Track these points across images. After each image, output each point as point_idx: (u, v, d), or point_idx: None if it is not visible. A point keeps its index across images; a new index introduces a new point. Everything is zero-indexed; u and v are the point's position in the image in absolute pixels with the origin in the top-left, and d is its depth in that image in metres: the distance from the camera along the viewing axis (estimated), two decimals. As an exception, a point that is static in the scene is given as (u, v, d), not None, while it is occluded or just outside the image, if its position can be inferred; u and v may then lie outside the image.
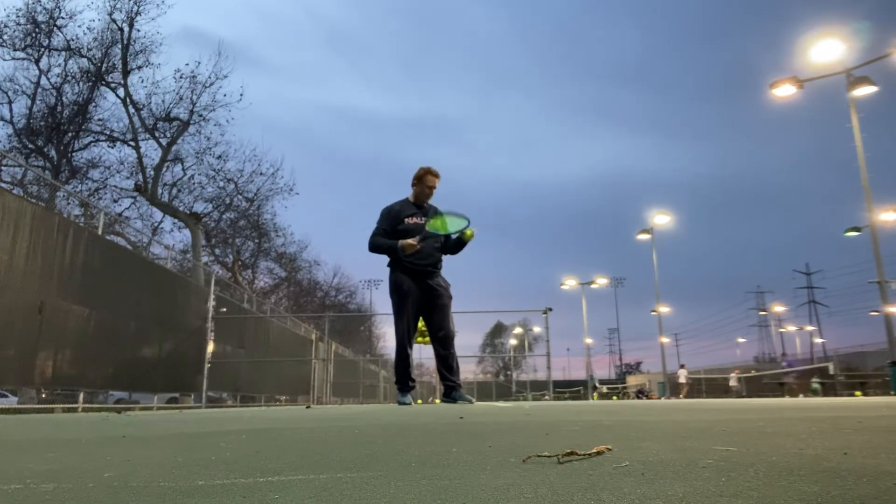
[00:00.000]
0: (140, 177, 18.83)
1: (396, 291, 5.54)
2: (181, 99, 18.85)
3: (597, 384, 34.66)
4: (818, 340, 62.77)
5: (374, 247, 5.52)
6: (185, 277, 13.88)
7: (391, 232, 5.50)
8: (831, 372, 23.16)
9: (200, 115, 19.12)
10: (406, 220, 5.51)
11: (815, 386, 22.28)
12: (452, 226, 5.42)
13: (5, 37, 17.06)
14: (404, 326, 5.53)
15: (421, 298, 5.55)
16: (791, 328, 69.39)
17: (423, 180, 5.57)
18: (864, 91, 14.89)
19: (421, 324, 5.78)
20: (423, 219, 5.53)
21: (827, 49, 15.03)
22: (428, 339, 5.83)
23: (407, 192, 5.71)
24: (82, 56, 17.84)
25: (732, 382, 28.92)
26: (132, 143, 18.71)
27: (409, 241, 5.34)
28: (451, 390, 5.58)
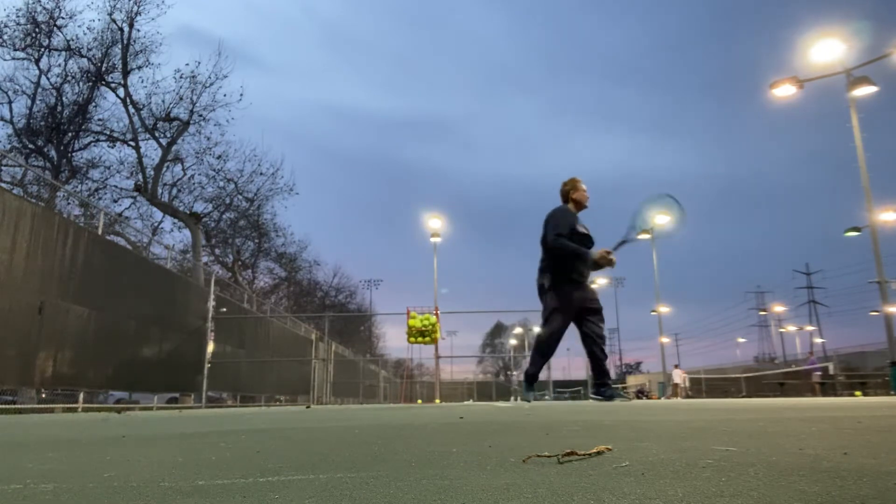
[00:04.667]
0: (140, 177, 18.83)
1: (563, 299, 5.61)
2: (181, 99, 18.86)
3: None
4: (818, 340, 62.72)
5: (565, 247, 5.48)
6: (185, 277, 13.88)
7: (569, 235, 5.54)
8: (831, 372, 23.12)
9: (200, 115, 19.14)
10: (578, 227, 5.60)
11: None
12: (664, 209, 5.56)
13: (5, 37, 17.08)
14: (558, 333, 5.68)
15: (580, 309, 5.67)
16: (791, 328, 69.31)
17: (579, 187, 5.72)
18: (864, 91, 14.88)
19: (418, 322, 5.81)
20: (585, 228, 5.66)
21: (827, 49, 15.02)
22: (428, 339, 5.83)
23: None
24: (82, 56, 17.86)
25: (676, 380, 28.60)
26: (132, 143, 18.72)
27: (606, 252, 5.41)
28: (602, 387, 5.70)
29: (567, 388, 47.13)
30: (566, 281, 5.59)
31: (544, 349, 5.74)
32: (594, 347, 5.68)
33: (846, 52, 15.18)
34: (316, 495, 0.82)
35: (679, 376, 28.65)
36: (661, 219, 5.73)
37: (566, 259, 5.53)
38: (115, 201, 19.98)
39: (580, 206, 5.74)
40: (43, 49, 17.60)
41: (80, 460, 1.31)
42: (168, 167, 19.76)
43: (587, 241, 5.60)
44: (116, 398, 14.63)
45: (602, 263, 5.42)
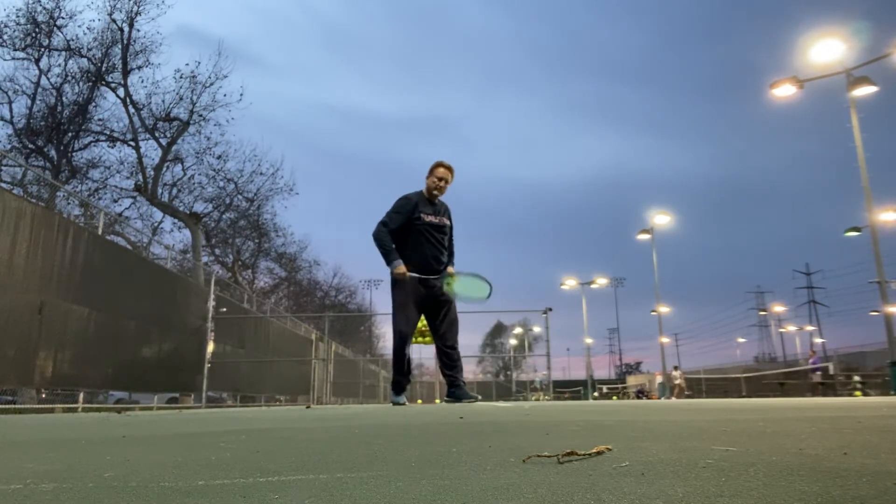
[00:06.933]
0: (140, 177, 18.83)
1: (398, 287, 5.43)
2: (181, 99, 18.86)
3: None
4: (818, 340, 62.68)
5: (379, 241, 5.36)
6: (185, 277, 13.88)
7: (404, 224, 5.38)
8: (831, 372, 23.13)
9: (200, 115, 19.14)
10: (422, 215, 5.40)
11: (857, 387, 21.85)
12: (469, 289, 5.41)
13: (5, 37, 17.08)
14: (402, 323, 5.44)
15: (425, 297, 5.46)
16: (791, 328, 69.33)
17: (434, 172, 5.49)
18: (864, 91, 14.89)
19: (422, 323, 5.74)
20: (439, 218, 5.48)
21: (827, 49, 15.02)
22: (428, 339, 5.80)
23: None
24: (82, 56, 17.86)
25: (678, 381, 28.56)
26: (132, 143, 18.72)
27: (403, 270, 5.30)
28: (452, 388, 5.61)
29: (567, 388, 47.20)
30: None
31: (399, 346, 5.52)
32: (438, 343, 5.61)
33: (846, 52, 15.19)
34: (316, 495, 0.82)
35: (679, 377, 28.70)
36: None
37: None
38: (115, 201, 20.01)
39: (429, 192, 5.50)
40: (43, 49, 17.61)
41: (80, 460, 1.31)
42: (168, 167, 19.77)
43: (434, 228, 5.43)
44: (116, 398, 14.62)
45: (396, 276, 5.31)
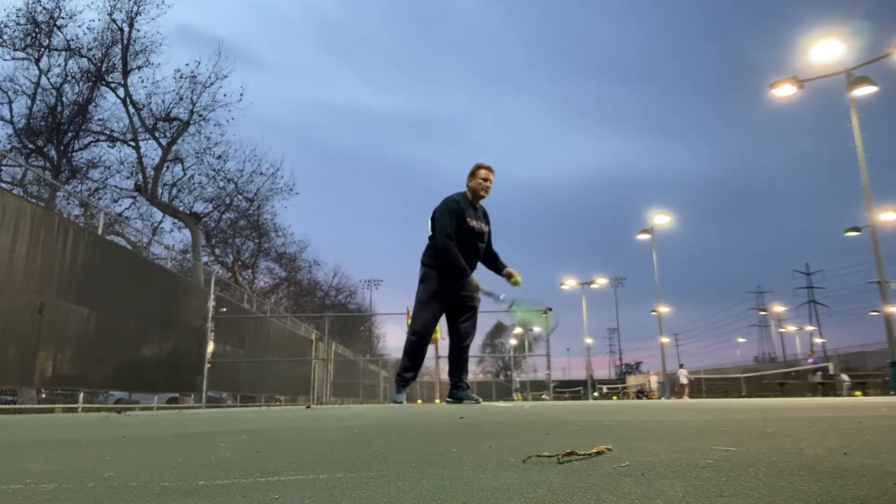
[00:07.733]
0: (140, 177, 18.83)
1: (429, 282, 5.44)
2: (181, 99, 18.86)
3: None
4: (818, 340, 62.65)
5: (449, 253, 5.27)
6: (185, 277, 13.88)
7: (457, 232, 5.35)
8: (831, 372, 23.13)
9: (200, 115, 19.14)
10: (469, 220, 5.37)
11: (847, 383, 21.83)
12: (531, 316, 5.67)
13: (5, 37, 17.09)
14: (428, 317, 5.45)
15: (453, 297, 5.48)
16: (791, 328, 69.34)
17: (476, 174, 5.45)
18: (864, 91, 14.88)
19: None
20: (479, 224, 5.47)
21: (827, 49, 15.02)
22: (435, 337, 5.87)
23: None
24: (82, 56, 17.86)
25: (683, 380, 28.50)
26: (132, 143, 18.72)
27: (477, 283, 5.40)
28: (455, 388, 5.63)
29: (567, 388, 47.20)
30: (438, 272, 5.45)
31: (418, 341, 5.51)
32: (454, 342, 5.65)
33: (846, 52, 15.19)
34: (316, 495, 0.82)
35: (685, 376, 28.62)
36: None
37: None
38: (115, 201, 20.02)
39: (475, 194, 5.46)
40: (43, 49, 17.61)
41: (80, 460, 1.31)
42: (168, 167, 19.77)
43: (476, 236, 5.42)
44: (116, 398, 14.61)
45: (472, 289, 5.38)
